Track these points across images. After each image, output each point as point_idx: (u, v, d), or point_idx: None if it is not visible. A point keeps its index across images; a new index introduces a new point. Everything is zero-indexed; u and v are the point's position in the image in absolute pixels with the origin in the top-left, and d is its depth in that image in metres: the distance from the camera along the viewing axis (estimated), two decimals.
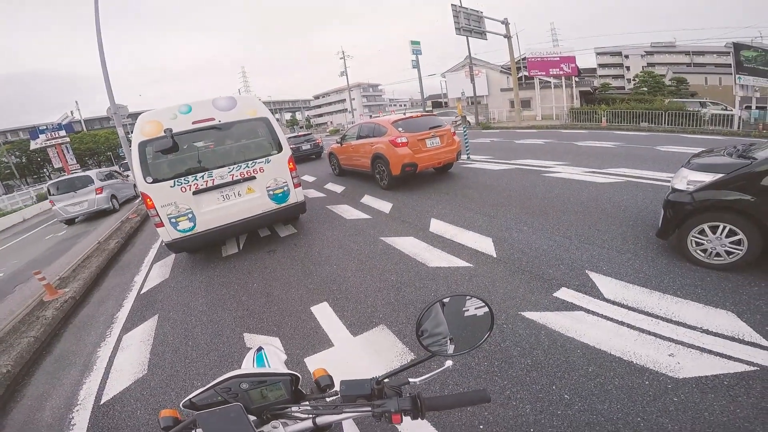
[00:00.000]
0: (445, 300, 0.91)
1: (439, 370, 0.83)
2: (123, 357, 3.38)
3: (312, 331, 3.19)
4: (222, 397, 0.84)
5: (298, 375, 0.91)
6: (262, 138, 5.19)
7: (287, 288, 4.06)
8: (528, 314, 2.87)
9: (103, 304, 4.82)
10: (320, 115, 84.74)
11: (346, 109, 59.76)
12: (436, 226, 5.15)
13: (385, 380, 0.81)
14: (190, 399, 0.85)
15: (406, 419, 0.75)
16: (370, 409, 0.75)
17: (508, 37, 21.86)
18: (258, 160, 5.01)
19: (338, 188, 9.04)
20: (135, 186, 16.45)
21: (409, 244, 4.64)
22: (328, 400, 0.88)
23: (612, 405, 1.96)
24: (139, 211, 10.71)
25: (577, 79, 26.66)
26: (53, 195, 12.46)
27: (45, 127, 35.79)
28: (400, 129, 7.40)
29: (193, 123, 4.66)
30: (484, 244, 4.28)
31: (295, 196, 5.35)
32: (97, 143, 51.68)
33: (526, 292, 3.19)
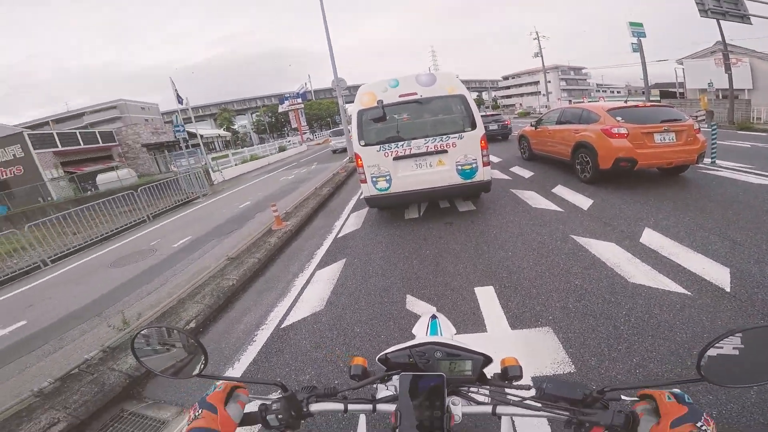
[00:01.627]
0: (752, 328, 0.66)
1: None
2: (311, 290, 4.15)
3: (470, 311, 3.20)
4: (414, 359, 0.87)
5: (492, 358, 0.89)
6: (457, 114, 5.46)
7: (456, 262, 4.17)
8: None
9: (309, 240, 6.15)
10: (508, 96, 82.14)
11: (540, 92, 56.12)
12: (651, 237, 4.21)
13: (609, 392, 0.71)
14: (386, 354, 0.91)
15: None
16: (569, 414, 0.70)
17: None
18: (452, 135, 5.29)
19: (526, 173, 8.55)
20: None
21: (607, 251, 3.98)
22: (508, 390, 0.83)
23: None
24: (346, 168, 13.52)
25: None
26: (331, 136, 26.57)
27: (288, 95, 47.09)
28: (618, 118, 6.33)
29: (400, 96, 5.27)
30: (716, 274, 3.28)
31: (482, 174, 5.46)
32: (321, 110, 65.93)
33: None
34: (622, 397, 0.73)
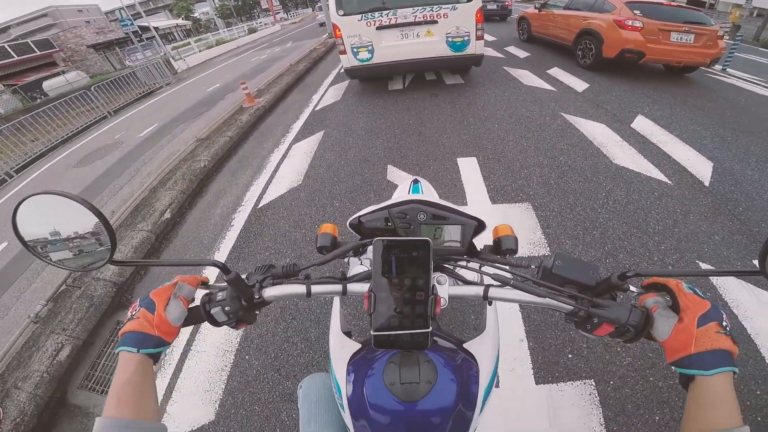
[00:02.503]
0: None
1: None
2: (288, 164, 4.01)
3: (451, 182, 3.18)
4: (393, 223, 0.72)
5: (485, 224, 0.73)
6: None
7: (440, 132, 4.07)
8: (703, 265, 2.22)
9: (284, 114, 5.85)
10: None
11: None
12: (643, 124, 4.16)
13: (631, 277, 0.56)
14: (358, 217, 0.74)
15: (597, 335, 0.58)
16: (576, 304, 0.57)
17: None
18: (444, 6, 5.00)
19: (521, 53, 8.26)
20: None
21: (596, 131, 3.93)
22: (504, 268, 0.66)
23: None
24: (325, 43, 12.72)
25: None
26: (318, 11, 27.28)
27: None
28: (636, 12, 5.91)
29: None
30: (700, 166, 3.32)
31: (474, 47, 5.25)
32: None
33: (720, 245, 2.38)
34: (632, 288, 0.60)
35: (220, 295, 0.63)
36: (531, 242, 2.49)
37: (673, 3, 7.74)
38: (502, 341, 1.82)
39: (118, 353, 0.56)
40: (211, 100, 8.77)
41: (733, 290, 2.05)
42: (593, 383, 1.67)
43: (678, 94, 5.42)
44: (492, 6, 15.49)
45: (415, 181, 1.33)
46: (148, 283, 2.82)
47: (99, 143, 7.93)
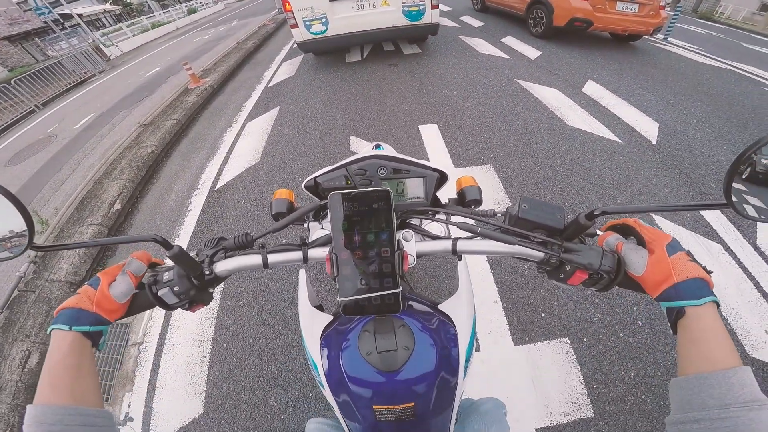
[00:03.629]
0: None
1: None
2: (243, 143, 3.94)
3: (414, 149, 3.28)
4: (353, 181, 0.69)
5: (447, 175, 0.70)
6: None
7: (401, 101, 4.17)
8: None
9: (235, 93, 5.69)
10: None
11: None
12: (593, 88, 4.47)
13: (599, 216, 0.53)
14: (314, 178, 0.71)
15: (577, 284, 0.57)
16: (547, 250, 0.55)
17: None
18: None
19: (476, 23, 8.53)
20: None
21: (550, 96, 4.19)
22: (470, 219, 0.65)
23: None
24: (275, 19, 12.51)
25: None
26: None
27: None
28: None
29: None
30: (647, 127, 3.65)
31: (430, 16, 5.34)
32: None
33: (669, 197, 2.69)
34: (599, 232, 0.60)
35: (166, 275, 0.58)
36: (495, 201, 2.66)
37: None
38: (478, 303, 1.93)
39: (49, 333, 0.50)
40: (152, 84, 8.36)
41: (684, 240, 2.29)
42: (568, 341, 1.78)
43: (624, 61, 5.82)
44: None
45: (377, 145, 1.34)
46: None
47: (30, 139, 7.35)
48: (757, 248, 2.26)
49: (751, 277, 2.08)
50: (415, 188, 0.69)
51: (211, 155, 3.89)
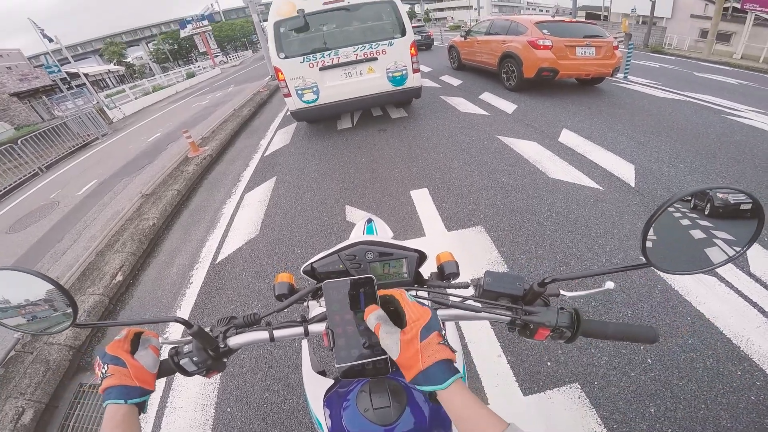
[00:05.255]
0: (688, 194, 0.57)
1: (598, 290, 0.65)
2: (242, 215, 3.94)
3: (407, 215, 3.31)
4: (344, 265, 0.78)
5: (426, 254, 0.80)
6: (387, 21, 5.38)
7: (391, 167, 4.23)
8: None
9: (233, 162, 5.75)
10: (441, 9, 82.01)
11: (472, 6, 56.72)
12: (568, 137, 4.61)
13: (550, 283, 0.64)
14: (311, 264, 0.80)
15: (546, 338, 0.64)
16: (511, 314, 0.64)
17: None
18: (381, 42, 5.25)
19: (455, 81, 8.84)
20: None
21: (530, 149, 4.29)
22: (449, 291, 0.76)
23: None
24: (268, 86, 12.60)
25: None
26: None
27: (191, 18, 41.36)
28: (544, 31, 6.58)
29: (324, 4, 5.01)
30: (623, 170, 3.73)
31: (413, 80, 5.54)
32: (234, 31, 58.95)
33: None
34: (561, 292, 0.67)
35: (186, 348, 0.66)
36: (489, 261, 2.62)
37: (573, 20, 8.72)
38: (480, 359, 1.93)
39: (105, 406, 0.56)
40: (153, 150, 8.38)
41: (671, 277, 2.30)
42: (579, 386, 1.73)
43: (593, 105, 6.07)
44: (418, 37, 17.68)
45: (369, 221, 1.39)
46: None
47: (32, 204, 7.21)
48: (752, 275, 2.27)
49: (754, 304, 2.08)
50: (399, 267, 0.79)
51: (212, 228, 3.87)
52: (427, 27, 22.97)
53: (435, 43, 20.31)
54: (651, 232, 0.57)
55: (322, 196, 3.89)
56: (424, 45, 18.81)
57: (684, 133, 4.77)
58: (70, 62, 20.18)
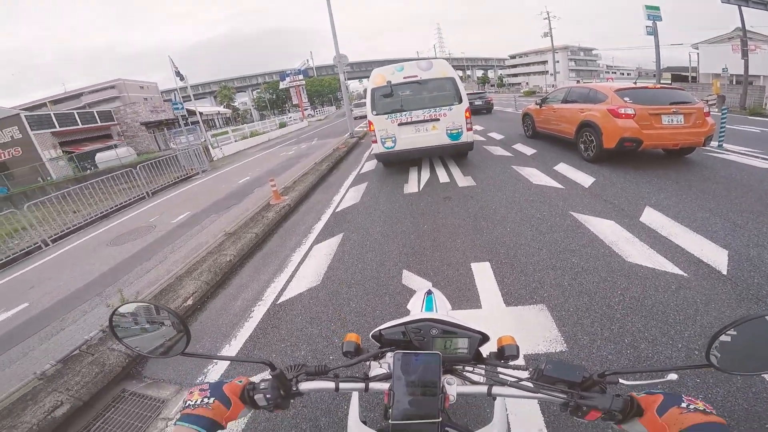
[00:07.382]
0: None
1: (659, 380, 0.69)
2: (308, 265, 4.11)
3: (465, 286, 3.16)
4: (409, 336, 0.85)
5: (489, 336, 0.86)
6: (448, 92, 6.92)
7: (454, 237, 4.13)
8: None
9: (307, 214, 6.12)
10: (515, 75, 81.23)
11: (547, 71, 55.92)
12: (651, 217, 4.13)
13: (609, 375, 0.69)
14: (380, 330, 0.89)
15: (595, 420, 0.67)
16: (566, 397, 0.68)
17: None
18: (443, 107, 6.80)
19: (528, 150, 8.54)
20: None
21: (606, 228, 3.91)
22: (504, 371, 0.81)
23: None
24: (346, 143, 13.58)
25: None
26: (353, 107, 26.71)
27: (289, 72, 46.52)
28: (626, 99, 6.18)
29: (404, 78, 6.89)
30: (715, 256, 3.21)
31: (466, 137, 6.98)
32: (323, 86, 65.32)
33: None
34: (621, 381, 0.69)
35: (263, 384, 0.76)
36: (547, 340, 2.40)
37: (657, 85, 8.15)
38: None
39: (177, 424, 0.63)
40: (241, 192, 9.09)
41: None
42: None
43: (681, 179, 5.42)
44: (478, 102, 19.69)
45: (429, 293, 1.43)
46: (156, 361, 2.90)
47: (133, 224, 8.11)
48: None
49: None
50: (461, 344, 0.84)
51: (279, 271, 4.09)
52: (487, 93, 25.12)
53: (508, 109, 21.38)
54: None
55: (382, 258, 3.91)
56: (484, 109, 19.98)
57: None
58: (191, 99, 22.72)
